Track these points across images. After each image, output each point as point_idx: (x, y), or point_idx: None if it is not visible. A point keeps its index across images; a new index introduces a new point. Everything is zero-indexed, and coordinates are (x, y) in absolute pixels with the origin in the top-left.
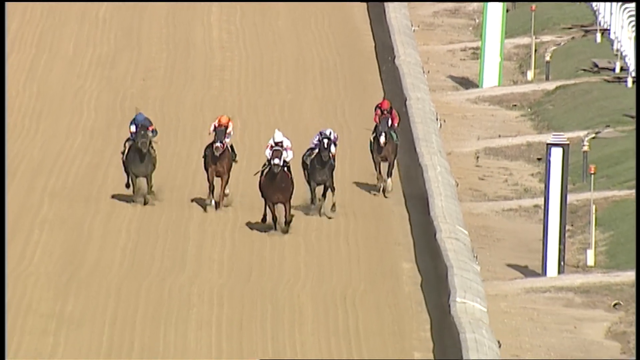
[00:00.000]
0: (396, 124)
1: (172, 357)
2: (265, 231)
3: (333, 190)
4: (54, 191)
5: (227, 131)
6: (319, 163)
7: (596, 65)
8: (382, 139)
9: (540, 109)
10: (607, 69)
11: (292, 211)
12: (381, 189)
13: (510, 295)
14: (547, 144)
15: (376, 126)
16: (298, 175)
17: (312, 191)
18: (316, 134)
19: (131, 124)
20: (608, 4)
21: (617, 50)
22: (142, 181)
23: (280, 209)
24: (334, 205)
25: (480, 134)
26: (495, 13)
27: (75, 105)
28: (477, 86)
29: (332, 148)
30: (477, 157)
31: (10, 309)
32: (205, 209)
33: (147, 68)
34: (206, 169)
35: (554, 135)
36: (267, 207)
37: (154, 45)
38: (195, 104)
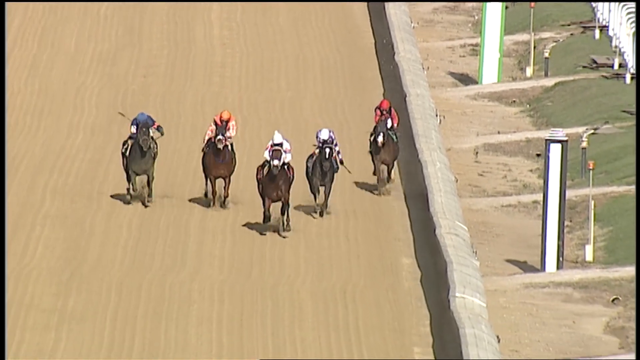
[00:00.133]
0: (396, 124)
1: (173, 353)
2: (265, 228)
3: (327, 200)
4: (56, 188)
5: (228, 134)
6: (321, 170)
7: (595, 62)
8: (380, 139)
9: (539, 105)
10: (606, 65)
11: (293, 211)
12: (381, 192)
13: (510, 291)
14: (546, 140)
15: (375, 127)
16: (296, 181)
17: (315, 195)
18: (317, 131)
19: (132, 124)
20: (607, 1)
21: (616, 46)
22: (141, 181)
23: (278, 211)
24: (325, 205)
25: (480, 130)
26: (494, 10)
27: (77, 102)
28: (476, 82)
29: (335, 149)
30: (477, 153)
31: (12, 304)
32: (205, 207)
33: (148, 65)
34: (205, 168)
35: (552, 131)
36: (264, 205)
37: (155, 42)
38: (196, 100)
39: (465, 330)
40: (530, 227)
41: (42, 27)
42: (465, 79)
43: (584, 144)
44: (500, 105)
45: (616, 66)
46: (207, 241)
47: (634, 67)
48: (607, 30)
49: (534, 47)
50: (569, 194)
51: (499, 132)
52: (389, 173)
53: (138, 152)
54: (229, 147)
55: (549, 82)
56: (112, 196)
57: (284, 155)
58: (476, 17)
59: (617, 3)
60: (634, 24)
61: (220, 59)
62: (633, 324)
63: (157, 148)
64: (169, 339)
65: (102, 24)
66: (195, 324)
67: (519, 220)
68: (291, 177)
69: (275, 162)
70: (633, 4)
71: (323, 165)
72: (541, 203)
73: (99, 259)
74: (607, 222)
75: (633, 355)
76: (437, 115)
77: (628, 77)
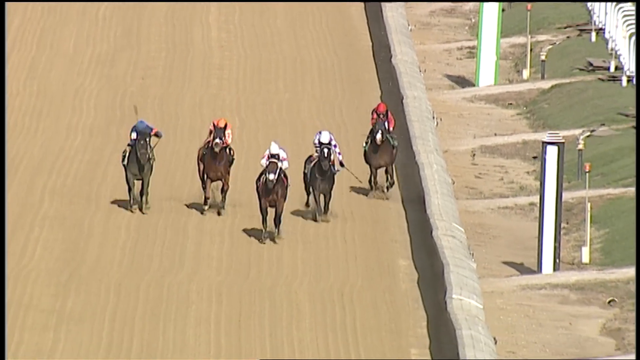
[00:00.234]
0: (392, 128)
1: (171, 353)
2: (263, 229)
3: (328, 206)
4: (55, 189)
5: (226, 131)
6: (319, 172)
7: (591, 64)
8: (379, 136)
9: (536, 107)
10: (602, 67)
11: (290, 215)
12: (375, 196)
13: (506, 292)
14: (543, 142)
15: (372, 129)
16: (295, 185)
17: (317, 200)
18: (315, 134)
19: (132, 131)
20: (603, 3)
21: (612, 49)
22: (139, 184)
23: (271, 213)
24: (326, 210)
25: (477, 132)
26: (491, 12)
27: (75, 103)
28: (473, 85)
29: (333, 152)
30: (473, 155)
31: (11, 304)
32: (202, 212)
33: (146, 67)
34: (202, 172)
35: (549, 133)
36: (261, 211)
37: (153, 44)
38: (194, 102)
39: (462, 331)
40: (526, 229)
41: (40, 29)
42: (462, 82)
43: (581, 146)
44: (497, 108)
45: (612, 69)
46: (205, 242)
47: (632, 70)
48: (604, 32)
49: (531, 50)
50: (566, 196)
51: (495, 135)
52: (390, 176)
53: (135, 162)
54: (227, 150)
55: (546, 84)
56: (110, 197)
57: (280, 164)
58: (473, 20)
59: (612, 4)
60: (630, 27)
61: (218, 61)
62: (629, 326)
63: (154, 159)
64: (167, 339)
65: (100, 26)
66: (193, 325)
67: (516, 222)
68: (286, 184)
69: (271, 176)
70: (629, 5)
71: (322, 164)
72: (538, 205)
73: (98, 260)
74: (604, 224)
75: (629, 357)
76: (434, 118)
77: (624, 79)
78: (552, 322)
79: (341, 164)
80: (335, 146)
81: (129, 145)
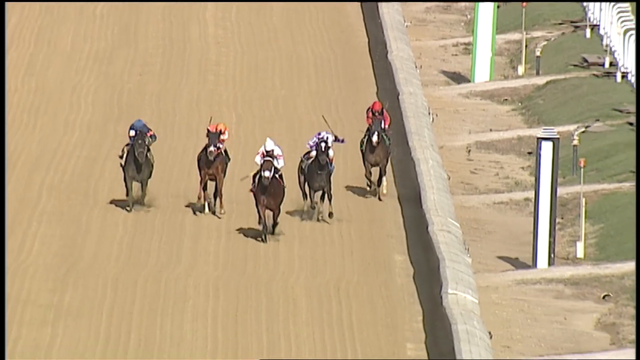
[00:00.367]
0: (387, 126)
1: (168, 348)
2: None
3: (330, 197)
4: (52, 185)
5: (221, 137)
6: (318, 168)
7: (586, 61)
8: (375, 138)
9: (531, 103)
10: (597, 64)
11: (288, 217)
12: (378, 194)
13: (501, 287)
14: (538, 138)
15: (368, 127)
16: (290, 181)
17: (311, 197)
18: (314, 135)
19: (130, 129)
20: (598, 3)
21: (607, 45)
22: (137, 185)
23: (269, 213)
24: (331, 213)
25: (472, 128)
26: (486, 9)
27: (73, 100)
28: (468, 81)
29: (330, 152)
30: (469, 151)
31: (9, 300)
32: (197, 212)
33: (143, 64)
34: (200, 174)
35: (544, 129)
36: (259, 211)
37: (151, 41)
38: (191, 98)
39: (458, 326)
40: (521, 224)
41: (38, 26)
42: (458, 78)
43: (575, 142)
44: (492, 104)
45: (607, 65)
46: (202, 238)
47: (626, 66)
48: (598, 29)
49: (526, 46)
50: (560, 191)
51: (491, 130)
52: (380, 178)
53: (134, 161)
54: (223, 153)
55: (541, 80)
56: (107, 193)
57: (275, 162)
58: (469, 16)
59: (608, 3)
60: (624, 23)
61: (215, 57)
62: (624, 320)
63: (153, 158)
64: (164, 334)
65: (98, 23)
66: (190, 320)
67: (511, 217)
68: (283, 186)
69: (267, 173)
70: (622, 4)
71: (320, 159)
72: (533, 200)
73: (95, 255)
74: (598, 219)
75: (623, 351)
76: (429, 114)
77: (619, 75)
78: (547, 316)
79: (342, 140)
80: (334, 140)
81: (127, 144)
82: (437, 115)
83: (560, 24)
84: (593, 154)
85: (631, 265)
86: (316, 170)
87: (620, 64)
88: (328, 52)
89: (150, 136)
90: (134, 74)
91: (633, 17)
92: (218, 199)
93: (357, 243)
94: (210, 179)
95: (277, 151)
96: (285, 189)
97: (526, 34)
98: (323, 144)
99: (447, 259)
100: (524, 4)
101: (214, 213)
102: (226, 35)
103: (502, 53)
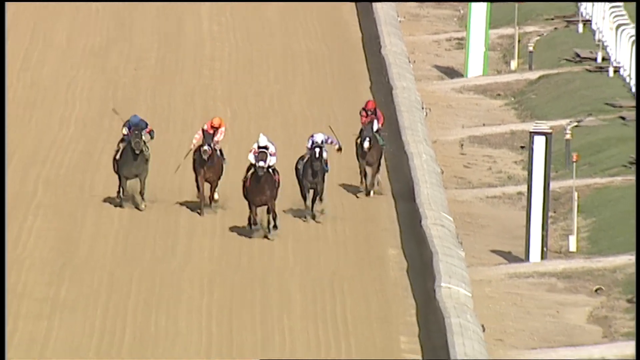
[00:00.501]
0: (381, 124)
1: (163, 342)
2: (251, 232)
3: (322, 198)
4: (48, 179)
5: (216, 138)
6: (311, 172)
7: (578, 55)
8: (366, 144)
9: (524, 98)
10: (589, 58)
11: (282, 214)
12: (371, 192)
13: (494, 281)
14: (531, 132)
15: (361, 130)
16: (285, 177)
17: (305, 197)
18: (309, 137)
19: (124, 125)
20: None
21: (599, 40)
22: (132, 185)
23: (264, 210)
24: (322, 210)
25: (465, 122)
26: (479, 4)
27: (69, 95)
28: (462, 76)
29: (324, 154)
30: (462, 145)
31: (5, 293)
32: (193, 208)
33: (139, 59)
34: (195, 174)
35: (537, 123)
36: (251, 210)
37: (146, 36)
38: (186, 93)
39: (451, 319)
40: (514, 218)
41: (34, 21)
42: (451, 72)
43: (568, 136)
44: (486, 98)
45: (599, 59)
46: (197, 232)
47: (618, 60)
48: (591, 24)
49: (519, 41)
50: (553, 185)
51: (484, 125)
52: (374, 176)
53: (130, 156)
54: (218, 152)
55: (533, 75)
56: (103, 187)
57: (269, 158)
58: (462, 11)
59: (607, 3)
60: (617, 18)
61: (210, 52)
62: (616, 314)
63: (149, 152)
64: (159, 328)
65: (93, 19)
66: (185, 314)
67: (504, 211)
68: (277, 182)
69: (261, 163)
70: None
71: (313, 165)
72: (525, 194)
73: (91, 249)
74: (591, 213)
75: (616, 344)
76: (423, 108)
77: (611, 70)
78: (539, 310)
79: (339, 149)
80: (330, 142)
81: (121, 141)
82: (430, 109)
83: (553, 19)
84: (586, 148)
85: (623, 259)
86: (310, 171)
87: (612, 59)
88: (322, 47)
89: (149, 132)
90: (129, 69)
91: (625, 13)
92: (210, 191)
93: (350, 237)
94: (207, 181)
95: (271, 149)
96: (279, 185)
97: (519, 29)
98: (317, 150)
99: (441, 253)
100: (521, 3)
101: (209, 205)
102: (221, 30)
103: (495, 48)
